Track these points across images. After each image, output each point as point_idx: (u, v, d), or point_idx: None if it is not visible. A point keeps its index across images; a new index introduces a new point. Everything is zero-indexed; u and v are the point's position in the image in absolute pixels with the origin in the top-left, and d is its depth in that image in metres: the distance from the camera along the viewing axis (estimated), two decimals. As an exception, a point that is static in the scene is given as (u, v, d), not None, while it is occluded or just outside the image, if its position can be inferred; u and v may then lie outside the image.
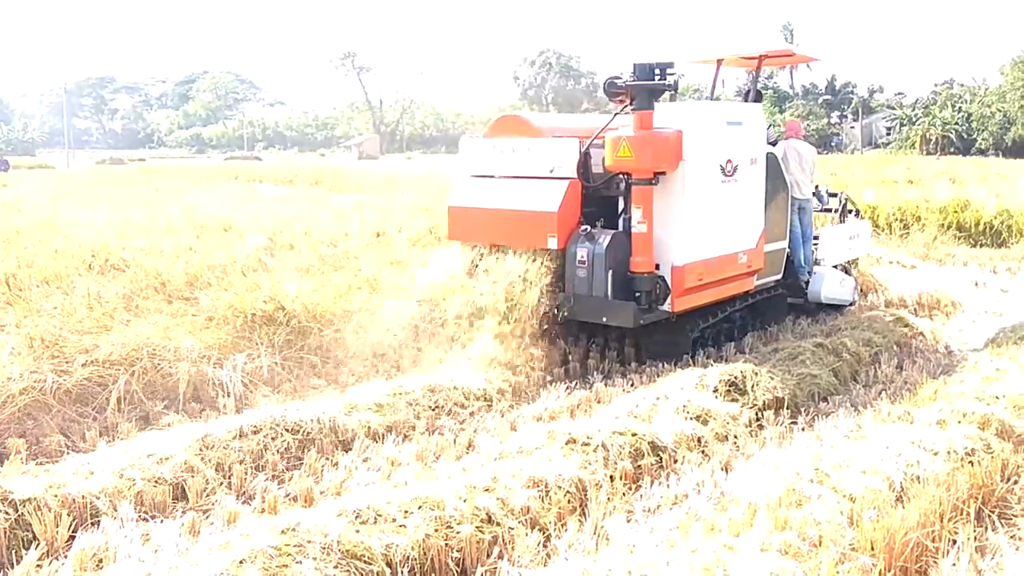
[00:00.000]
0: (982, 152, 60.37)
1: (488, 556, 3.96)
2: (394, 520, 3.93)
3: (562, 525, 4.24)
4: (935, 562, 3.92)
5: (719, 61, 9.29)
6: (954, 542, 4.01)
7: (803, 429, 5.82)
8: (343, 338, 7.39)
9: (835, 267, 9.64)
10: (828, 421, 5.95)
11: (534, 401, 6.42)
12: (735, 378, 6.17)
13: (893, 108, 75.48)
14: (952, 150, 60.76)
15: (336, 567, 3.57)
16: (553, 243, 7.18)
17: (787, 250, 8.83)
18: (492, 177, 7.79)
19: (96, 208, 16.52)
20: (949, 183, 21.46)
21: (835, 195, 10.50)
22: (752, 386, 6.14)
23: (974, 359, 7.27)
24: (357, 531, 3.80)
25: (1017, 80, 61.14)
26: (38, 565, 3.84)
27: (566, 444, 4.91)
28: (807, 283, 9.16)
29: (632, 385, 6.75)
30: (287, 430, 5.28)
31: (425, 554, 3.83)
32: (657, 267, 7.13)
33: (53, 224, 12.76)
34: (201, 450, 4.93)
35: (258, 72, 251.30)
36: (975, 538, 4.05)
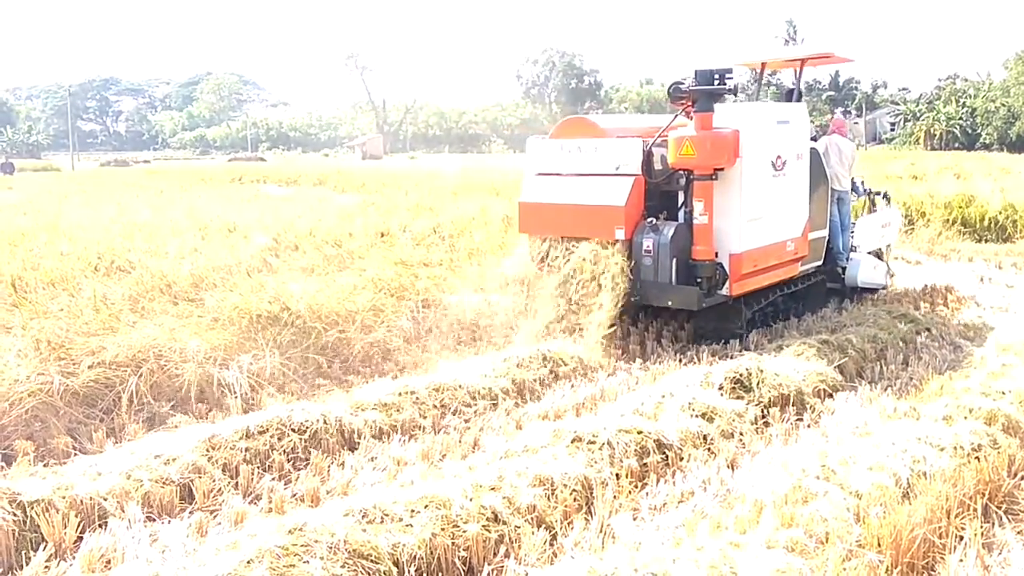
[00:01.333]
0: (986, 147, 60.21)
1: (494, 555, 3.97)
2: (400, 519, 3.94)
3: (568, 523, 4.24)
4: (942, 558, 3.91)
5: (763, 64, 10.16)
6: (961, 538, 4.00)
7: (809, 426, 5.82)
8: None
9: (868, 253, 10.31)
10: (834, 418, 5.95)
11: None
12: (741, 375, 6.17)
13: (897, 103, 75.40)
14: (956, 145, 60.63)
15: (343, 566, 3.57)
16: (620, 234, 7.79)
17: (827, 238, 9.43)
18: (560, 175, 8.34)
19: (101, 210, 16.58)
20: (954, 178, 21.43)
21: (878, 193, 11.30)
22: (758, 383, 6.14)
23: (980, 354, 7.26)
24: (364, 530, 3.80)
25: (1021, 75, 60.95)
26: (46, 566, 3.85)
27: (572, 442, 4.91)
28: (844, 269, 9.81)
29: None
30: (293, 430, 5.29)
31: (432, 553, 3.83)
32: (716, 255, 7.78)
33: (58, 226, 12.81)
34: (208, 451, 4.94)
35: (262, 73, 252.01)
36: (982, 534, 4.05)
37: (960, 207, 15.70)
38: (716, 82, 7.60)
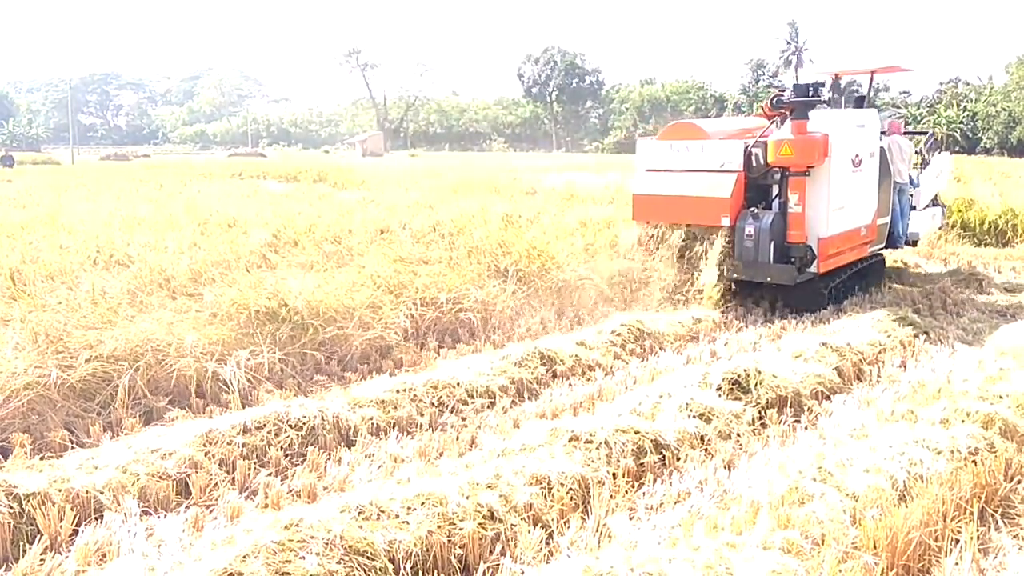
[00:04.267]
0: (987, 151, 60.23)
1: (491, 553, 3.97)
2: (397, 516, 3.94)
3: (564, 522, 4.24)
4: (938, 561, 3.92)
5: (836, 74, 11.57)
6: (957, 541, 4.01)
7: (806, 428, 5.82)
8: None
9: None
10: (831, 420, 5.95)
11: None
12: (738, 376, 6.17)
13: (898, 107, 75.24)
14: (957, 149, 60.61)
15: (339, 562, 3.57)
16: (726, 221, 9.39)
17: (889, 224, 10.90)
18: (670, 171, 9.87)
19: (101, 204, 16.56)
20: (954, 182, 21.37)
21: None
22: (755, 384, 6.14)
23: (978, 358, 7.26)
24: (360, 527, 3.80)
25: (1022, 79, 60.95)
26: (41, 559, 3.85)
27: (569, 441, 4.91)
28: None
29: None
30: (291, 426, 5.29)
31: (428, 550, 3.83)
32: (807, 239, 9.32)
33: (58, 220, 12.79)
34: (205, 446, 4.94)
35: (263, 69, 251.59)
36: (978, 537, 4.05)
37: (960, 211, 15.69)
38: (811, 94, 9.40)
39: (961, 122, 64.02)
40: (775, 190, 9.55)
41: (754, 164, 9.45)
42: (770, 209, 9.45)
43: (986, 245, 14.94)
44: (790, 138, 9.12)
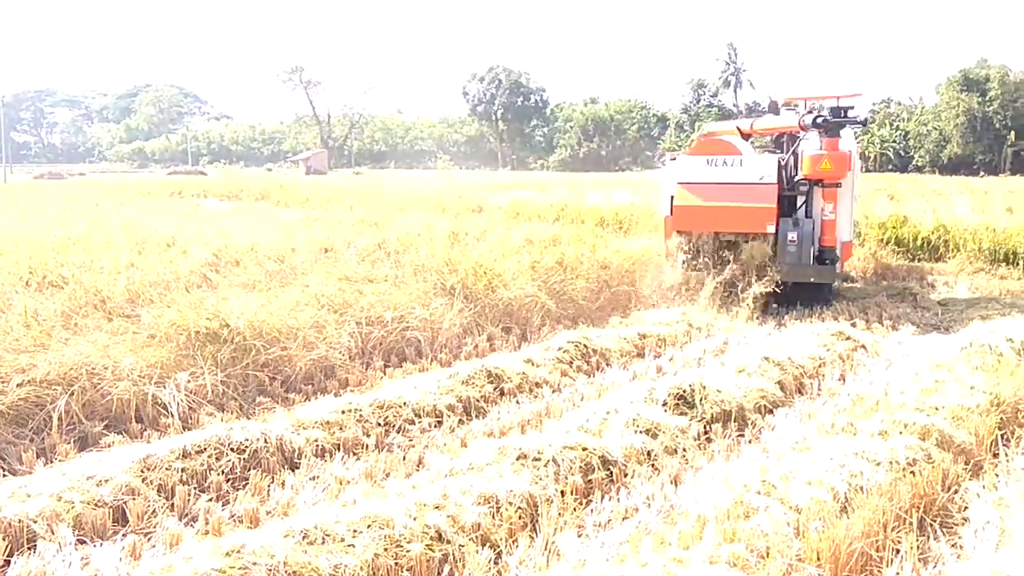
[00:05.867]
0: (919, 169, 62.09)
1: (439, 574, 3.92)
2: (342, 540, 3.88)
3: (513, 541, 4.22)
4: (879, 571, 3.98)
5: (805, 99, 12.59)
6: (897, 551, 4.08)
7: (750, 442, 5.89)
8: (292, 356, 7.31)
9: None
10: (774, 433, 6.04)
11: None
12: (684, 391, 6.22)
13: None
14: (890, 167, 62.38)
15: (283, 589, 3.50)
16: (771, 228, 10.40)
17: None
18: (707, 183, 10.65)
19: (34, 223, 16.10)
20: (888, 199, 21.99)
21: None
22: (700, 399, 6.20)
23: (914, 371, 7.43)
24: (304, 552, 3.73)
25: (952, 99, 63.10)
26: (-30, 593, 3.70)
27: (517, 460, 4.90)
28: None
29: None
30: (232, 449, 5.18)
31: (374, 574, 3.78)
32: (836, 242, 10.62)
33: (-12, 240, 12.37)
34: (142, 471, 4.81)
35: (203, 86, 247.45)
36: (918, 547, 4.13)
37: (894, 227, 16.11)
38: (843, 115, 10.50)
39: (894, 141, 65.98)
40: (799, 200, 10.74)
41: (785, 177, 10.67)
42: (789, 217, 10.58)
43: (920, 260, 15.35)
44: (828, 153, 10.32)
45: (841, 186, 10.48)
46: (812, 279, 10.57)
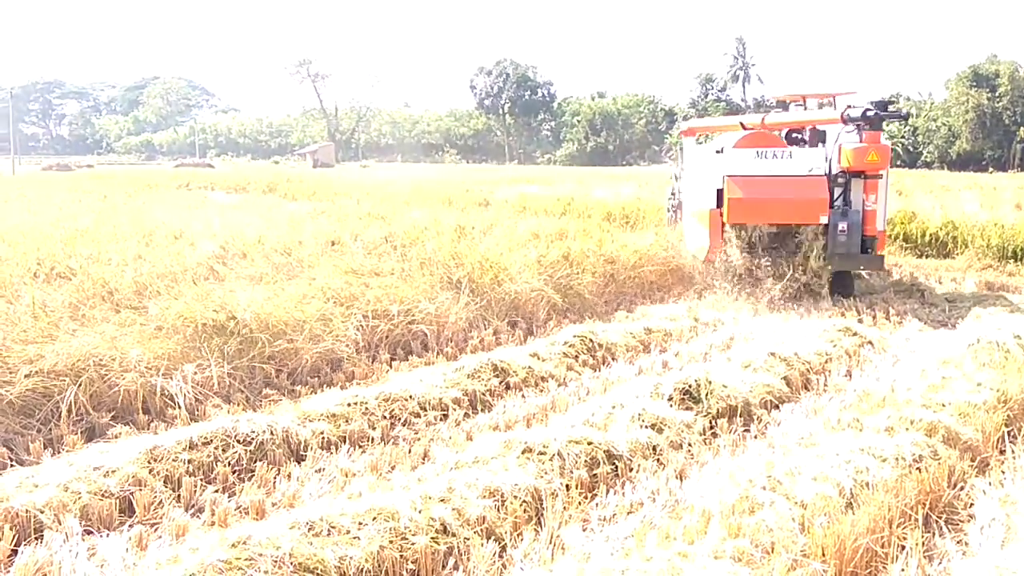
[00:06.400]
0: (928, 165, 61.84)
1: (443, 567, 3.94)
2: (348, 532, 3.89)
3: (518, 535, 4.23)
4: (884, 568, 3.98)
5: (804, 97, 12.92)
6: (903, 548, 4.08)
7: (756, 437, 5.89)
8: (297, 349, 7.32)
9: None
10: (780, 429, 6.03)
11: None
12: (689, 386, 6.22)
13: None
14: (899, 163, 62.14)
15: (288, 580, 3.51)
16: (824, 219, 10.49)
17: None
18: (757, 176, 10.57)
19: (42, 215, 16.15)
20: (896, 195, 21.92)
21: None
22: (706, 394, 6.20)
23: (921, 367, 7.41)
24: (310, 543, 3.75)
25: (961, 95, 62.78)
26: (-22, 582, 3.73)
27: (522, 453, 4.90)
28: None
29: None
30: (239, 441, 5.20)
31: (379, 566, 3.79)
32: (877, 232, 10.76)
33: (-3, 231, 12.42)
34: (149, 462, 4.83)
35: (211, 78, 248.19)
36: (923, 544, 4.13)
37: (902, 223, 16.05)
38: (886, 110, 10.69)
39: (902, 137, 65.69)
40: (838, 191, 10.79)
41: (830, 169, 10.80)
42: (832, 207, 10.65)
43: (927, 256, 15.30)
44: (874, 146, 10.50)
45: (882, 177, 10.74)
46: (861, 267, 11.17)
